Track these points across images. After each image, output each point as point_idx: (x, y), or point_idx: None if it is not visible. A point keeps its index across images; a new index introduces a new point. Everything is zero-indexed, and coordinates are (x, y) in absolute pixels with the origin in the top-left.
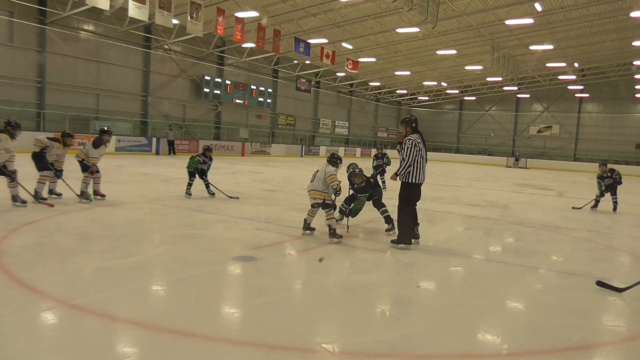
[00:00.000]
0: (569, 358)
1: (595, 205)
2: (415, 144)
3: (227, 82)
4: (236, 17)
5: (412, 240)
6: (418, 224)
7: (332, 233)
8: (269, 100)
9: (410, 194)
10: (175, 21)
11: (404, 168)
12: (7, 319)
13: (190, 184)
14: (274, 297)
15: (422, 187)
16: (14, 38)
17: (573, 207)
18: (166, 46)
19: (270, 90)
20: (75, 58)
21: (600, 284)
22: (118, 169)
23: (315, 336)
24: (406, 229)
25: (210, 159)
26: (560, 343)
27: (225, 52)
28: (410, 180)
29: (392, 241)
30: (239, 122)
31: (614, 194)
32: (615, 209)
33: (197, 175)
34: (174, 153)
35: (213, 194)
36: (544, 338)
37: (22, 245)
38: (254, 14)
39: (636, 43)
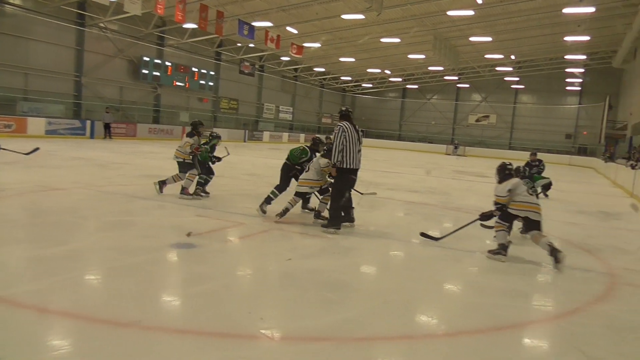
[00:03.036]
0: (499, 336)
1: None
2: (342, 130)
3: (168, 63)
4: None
5: (348, 223)
6: (353, 207)
7: (327, 224)
8: (211, 83)
9: (343, 179)
10: None
11: (334, 155)
12: None
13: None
14: (214, 284)
15: (363, 174)
16: None
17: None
18: (102, 24)
19: (212, 73)
20: (0, 34)
21: (423, 234)
22: (50, 154)
23: (256, 323)
24: (337, 212)
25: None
26: (492, 322)
27: (166, 33)
28: (343, 166)
29: (322, 225)
30: (180, 105)
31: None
32: (545, 194)
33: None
34: (110, 137)
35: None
36: (477, 318)
37: None
38: None
39: (567, 38)
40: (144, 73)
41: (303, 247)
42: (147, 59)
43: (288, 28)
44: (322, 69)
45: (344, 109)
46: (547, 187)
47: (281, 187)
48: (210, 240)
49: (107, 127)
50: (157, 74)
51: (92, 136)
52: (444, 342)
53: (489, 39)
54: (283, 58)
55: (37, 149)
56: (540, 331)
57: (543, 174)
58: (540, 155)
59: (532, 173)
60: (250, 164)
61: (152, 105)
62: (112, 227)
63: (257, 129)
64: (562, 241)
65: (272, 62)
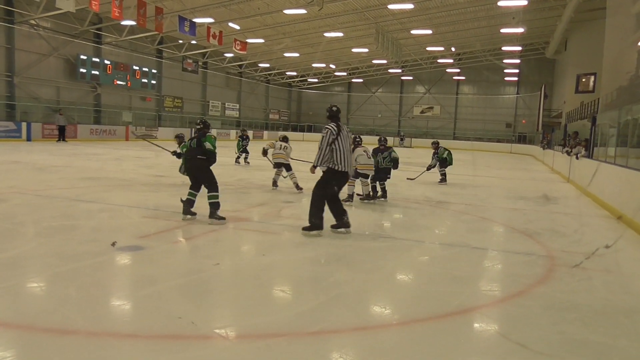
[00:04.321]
0: (449, 322)
1: (443, 180)
2: (330, 132)
3: (107, 62)
4: None
5: (344, 229)
6: (345, 211)
7: (309, 227)
8: (153, 82)
9: (333, 180)
10: None
11: (320, 157)
12: None
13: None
14: (164, 285)
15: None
16: None
17: (408, 178)
18: (33, 21)
19: (154, 71)
20: None
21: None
22: None
23: (209, 322)
24: (320, 213)
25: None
26: (442, 309)
27: (103, 30)
28: (336, 168)
29: (303, 228)
30: (122, 104)
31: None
32: (442, 180)
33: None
34: (64, 140)
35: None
36: (428, 306)
37: None
38: None
39: (503, 30)
40: (81, 72)
41: (254, 243)
42: (85, 57)
43: (230, 24)
44: (267, 65)
45: (334, 108)
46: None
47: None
48: (158, 242)
49: (61, 129)
50: (96, 73)
51: (29, 138)
52: (397, 331)
53: (429, 31)
54: (227, 54)
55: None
56: (490, 314)
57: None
58: (483, 144)
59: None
60: None
61: (92, 106)
62: (52, 233)
63: None
64: (505, 227)
65: (216, 58)
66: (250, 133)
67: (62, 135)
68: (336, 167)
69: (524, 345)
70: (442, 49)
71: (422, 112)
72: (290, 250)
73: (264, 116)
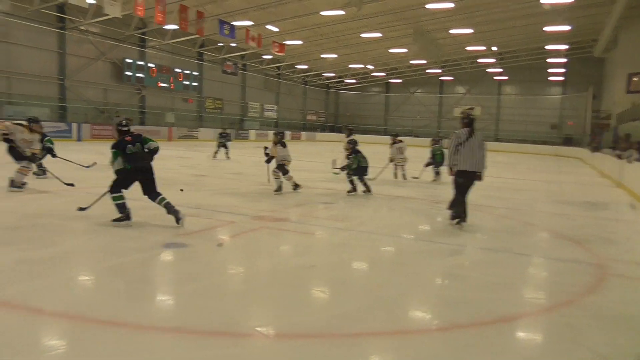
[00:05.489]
0: (492, 330)
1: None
2: (457, 136)
3: (151, 65)
4: None
5: (456, 222)
6: (466, 213)
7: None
8: (195, 84)
9: (459, 178)
10: (90, 1)
11: (449, 158)
12: None
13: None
14: (206, 282)
15: None
16: None
17: (413, 177)
18: (82, 27)
19: (196, 73)
20: None
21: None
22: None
23: (249, 320)
24: (458, 205)
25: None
26: (485, 316)
27: (147, 34)
28: (458, 167)
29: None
30: (165, 106)
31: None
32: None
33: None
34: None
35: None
36: (469, 312)
37: None
38: None
39: (547, 28)
40: (127, 75)
41: (294, 244)
42: (130, 61)
43: (268, 26)
44: (305, 66)
45: (470, 116)
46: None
47: None
48: (201, 240)
49: None
50: (141, 75)
51: (79, 139)
52: (437, 337)
53: (470, 30)
54: (265, 56)
55: (94, 163)
56: (534, 324)
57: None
58: (527, 147)
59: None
60: (236, 163)
61: (137, 107)
62: (101, 229)
63: (243, 128)
64: (550, 232)
65: (255, 60)
66: (287, 134)
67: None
68: (458, 167)
69: (571, 357)
70: (483, 48)
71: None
72: (328, 252)
73: (301, 117)
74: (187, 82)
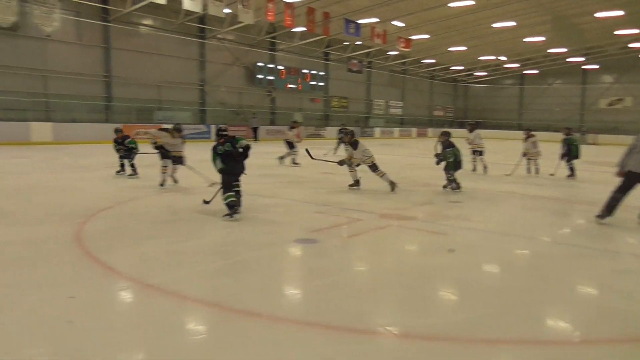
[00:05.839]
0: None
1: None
2: (637, 139)
3: (280, 67)
4: (285, 2)
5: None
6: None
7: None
8: (321, 83)
9: (623, 181)
10: (227, 10)
11: (620, 158)
12: (89, 298)
13: (128, 166)
14: (335, 278)
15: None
16: (82, 36)
17: (550, 174)
18: (219, 35)
19: (322, 73)
20: (138, 52)
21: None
22: None
23: (377, 318)
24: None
25: (123, 140)
26: (637, 331)
27: (277, 38)
28: (628, 169)
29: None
30: (293, 106)
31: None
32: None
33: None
34: (257, 139)
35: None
36: (618, 325)
37: (100, 229)
38: None
39: None
40: (259, 78)
41: (422, 243)
42: (261, 64)
43: (394, 22)
44: (432, 60)
45: None
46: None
47: None
48: (330, 236)
49: (254, 130)
50: (271, 78)
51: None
52: (579, 350)
53: (620, 12)
54: (390, 53)
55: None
56: None
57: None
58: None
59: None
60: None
61: (268, 108)
62: (238, 224)
63: (368, 125)
64: None
65: (380, 57)
66: (413, 131)
67: (255, 135)
68: (629, 168)
69: None
70: (635, 31)
71: (609, 104)
72: (458, 252)
73: (428, 113)
74: (314, 82)
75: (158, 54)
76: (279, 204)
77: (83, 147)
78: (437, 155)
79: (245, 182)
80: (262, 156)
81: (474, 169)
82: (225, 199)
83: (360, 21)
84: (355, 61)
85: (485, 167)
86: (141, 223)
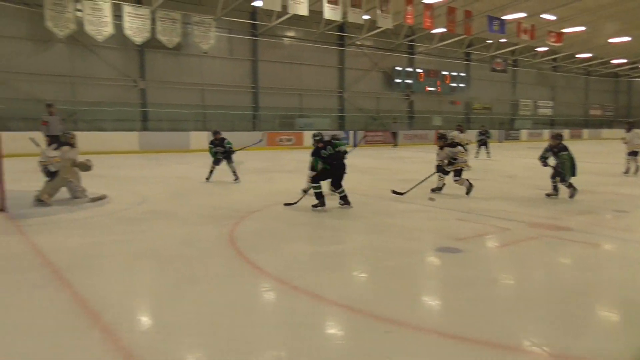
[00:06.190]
0: None
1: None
2: None
3: (418, 70)
4: (424, 3)
5: None
6: None
7: None
8: (462, 85)
9: None
10: (365, 17)
11: None
12: (239, 295)
13: (211, 171)
14: (481, 291)
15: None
16: (233, 52)
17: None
18: (358, 42)
19: (463, 74)
20: (281, 63)
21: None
22: None
23: (527, 335)
24: None
25: (218, 142)
26: None
27: (415, 41)
28: None
29: None
30: (431, 109)
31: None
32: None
33: (222, 160)
34: (397, 144)
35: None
36: None
37: (249, 230)
38: None
39: None
40: (396, 82)
41: (578, 256)
42: (399, 68)
43: (543, 16)
44: (588, 55)
45: None
46: None
47: None
48: (475, 245)
49: (395, 135)
50: (409, 81)
51: (354, 144)
52: None
53: None
54: (539, 49)
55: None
56: None
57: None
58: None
59: None
60: (508, 165)
61: (405, 112)
62: (379, 229)
63: (514, 128)
64: None
65: (527, 54)
66: (565, 132)
67: (395, 140)
68: None
69: None
70: None
71: None
72: (617, 267)
73: (582, 112)
74: (453, 84)
75: (299, 64)
76: (420, 209)
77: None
78: (542, 158)
79: (385, 187)
80: (403, 161)
81: (627, 171)
82: (315, 189)
83: (505, 17)
84: (499, 60)
85: (638, 169)
86: (287, 226)
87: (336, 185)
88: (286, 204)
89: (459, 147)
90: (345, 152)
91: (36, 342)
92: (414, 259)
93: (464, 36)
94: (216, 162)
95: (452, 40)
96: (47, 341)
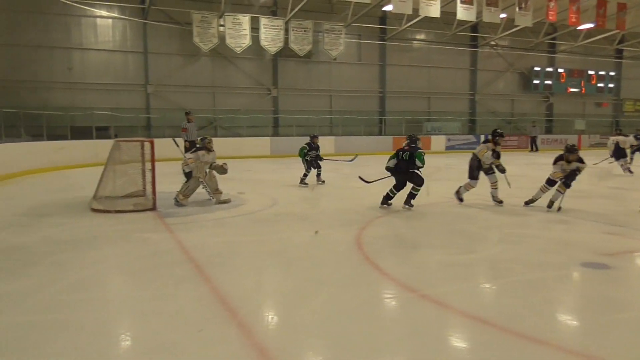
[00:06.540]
0: None
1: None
2: None
3: (560, 70)
4: None
5: None
6: None
7: None
8: (610, 85)
9: None
10: (502, 15)
11: None
12: (367, 301)
13: (305, 175)
14: (635, 314)
15: None
16: (361, 57)
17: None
18: (492, 42)
19: (612, 73)
20: (409, 67)
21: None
22: (448, 167)
23: None
24: None
25: (316, 146)
26: None
27: (557, 39)
28: None
29: None
30: (574, 112)
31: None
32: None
33: (313, 164)
34: (537, 149)
35: (323, 181)
36: None
37: (376, 235)
38: None
39: None
40: (534, 83)
41: None
42: (538, 68)
43: None
44: None
45: None
46: None
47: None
48: (625, 262)
49: (533, 140)
50: (549, 82)
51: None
52: None
53: None
54: None
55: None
56: None
57: None
58: None
59: None
60: None
61: (543, 115)
62: (513, 240)
63: None
64: None
65: None
66: None
67: (534, 145)
68: None
69: None
70: None
71: None
72: None
73: None
74: (601, 84)
75: (428, 66)
76: (560, 220)
77: (359, 159)
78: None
79: (517, 195)
80: (540, 167)
81: None
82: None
83: None
84: None
85: None
86: (412, 231)
87: (401, 186)
88: (362, 179)
89: (585, 165)
90: (419, 166)
91: (183, 331)
92: (555, 273)
93: (616, 31)
94: (313, 166)
95: (601, 36)
96: (192, 331)
